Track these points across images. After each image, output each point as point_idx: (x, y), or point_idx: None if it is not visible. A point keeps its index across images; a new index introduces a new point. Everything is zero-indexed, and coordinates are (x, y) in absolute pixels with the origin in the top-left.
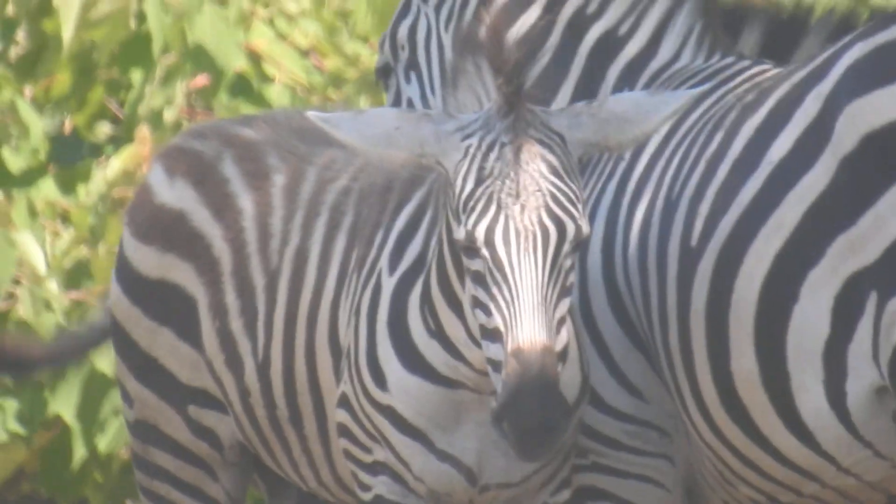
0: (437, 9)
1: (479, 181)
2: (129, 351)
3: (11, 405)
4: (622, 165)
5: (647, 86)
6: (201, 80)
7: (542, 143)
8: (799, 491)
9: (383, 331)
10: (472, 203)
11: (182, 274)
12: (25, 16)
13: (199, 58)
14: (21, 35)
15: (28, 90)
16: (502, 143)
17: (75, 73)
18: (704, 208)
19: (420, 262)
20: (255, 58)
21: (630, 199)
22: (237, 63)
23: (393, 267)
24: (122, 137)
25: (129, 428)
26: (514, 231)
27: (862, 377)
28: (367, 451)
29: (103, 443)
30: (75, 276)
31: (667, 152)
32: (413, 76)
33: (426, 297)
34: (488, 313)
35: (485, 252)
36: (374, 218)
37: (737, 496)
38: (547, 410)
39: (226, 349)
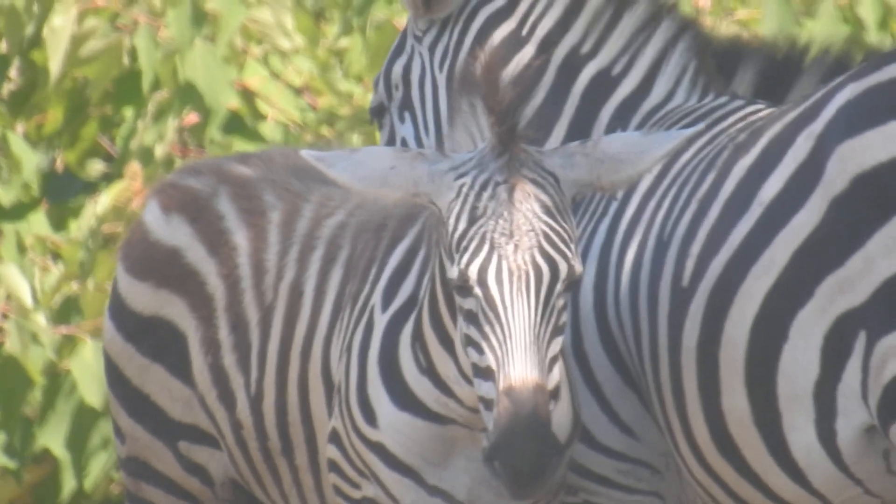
0: (432, 49)
1: (472, 220)
2: (122, 387)
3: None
4: (614, 205)
5: (641, 125)
6: (193, 117)
7: (535, 182)
8: None
9: (374, 368)
10: (465, 242)
11: (175, 310)
12: (18, 51)
13: (189, 95)
14: (14, 71)
15: (20, 126)
16: (496, 183)
17: (68, 110)
18: (696, 248)
19: (413, 300)
20: (248, 96)
21: (622, 238)
22: (228, 100)
23: (386, 304)
24: (115, 174)
25: (121, 464)
26: (507, 270)
27: (852, 417)
28: (357, 486)
29: (90, 478)
30: (65, 311)
31: (659, 192)
32: (407, 116)
33: (418, 335)
34: (480, 352)
35: (478, 291)
36: (368, 254)
37: None
38: (539, 450)
39: (218, 384)
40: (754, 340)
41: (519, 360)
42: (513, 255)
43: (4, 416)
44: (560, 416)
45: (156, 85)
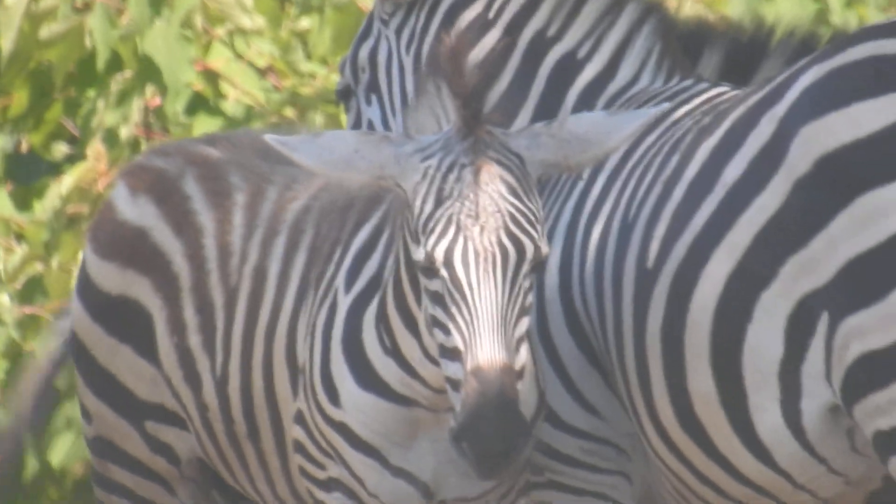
0: (398, 32)
1: (438, 203)
2: (89, 367)
3: None
4: (580, 186)
5: (606, 108)
6: (158, 99)
7: (501, 164)
8: None
9: (338, 348)
10: (431, 224)
11: (141, 290)
12: None
13: (148, 72)
14: None
15: None
16: (462, 165)
17: (32, 93)
18: (660, 230)
19: (376, 281)
20: (212, 78)
21: (587, 219)
22: (187, 78)
23: (349, 285)
24: (79, 156)
25: (88, 444)
26: (473, 252)
27: (816, 396)
28: (322, 467)
29: (56, 457)
30: (29, 292)
31: (623, 173)
32: (374, 98)
33: (382, 316)
34: (447, 333)
35: (444, 273)
36: (333, 235)
37: None
38: (507, 430)
39: (184, 365)
40: (719, 322)
41: (486, 340)
42: (479, 236)
43: None
44: (525, 395)
45: (117, 66)
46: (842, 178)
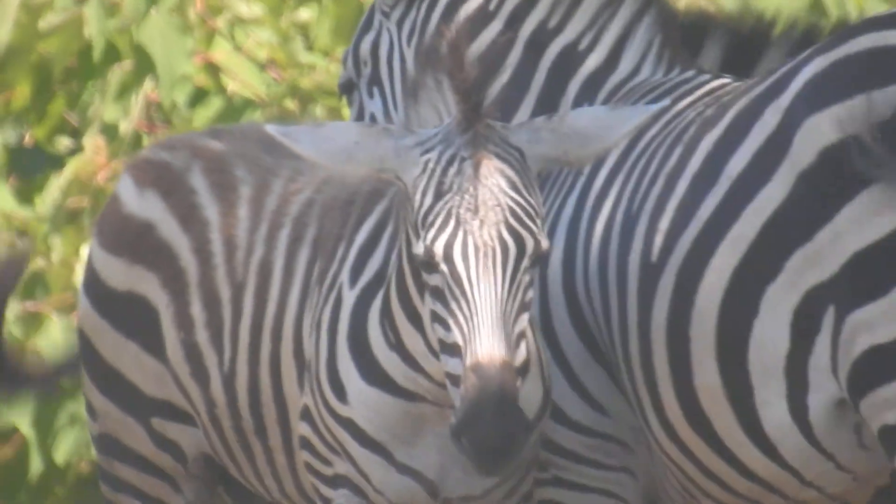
0: (400, 24)
1: (438, 196)
2: (95, 364)
3: None
4: (582, 179)
5: (607, 100)
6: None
7: (501, 157)
8: None
9: (343, 344)
10: (430, 218)
11: (148, 285)
12: None
13: (145, 64)
14: None
15: None
16: (462, 158)
17: (35, 86)
18: (664, 223)
19: (380, 276)
20: (213, 71)
21: (590, 213)
22: (184, 69)
23: (354, 280)
24: (80, 149)
25: (94, 441)
26: (472, 246)
27: (822, 391)
28: (328, 463)
29: (60, 454)
30: (30, 287)
31: (626, 166)
32: (376, 91)
33: (386, 311)
34: (447, 328)
35: (443, 267)
36: (336, 231)
37: None
38: (506, 426)
39: (192, 361)
40: (724, 316)
41: (486, 336)
42: (479, 230)
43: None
44: (529, 392)
45: (115, 57)
46: (846, 170)
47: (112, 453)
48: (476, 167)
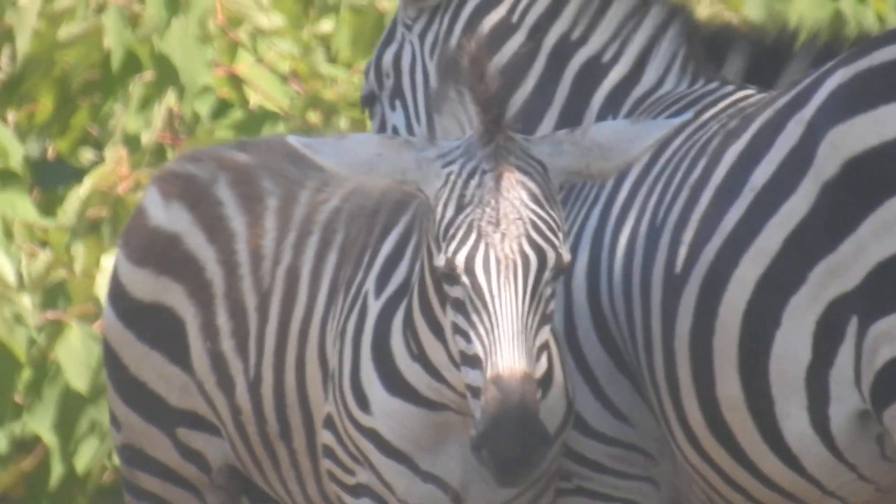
0: (422, 36)
1: (459, 209)
2: (119, 374)
3: None
4: (606, 191)
5: (631, 112)
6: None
7: (522, 170)
8: None
9: (367, 354)
10: (452, 231)
11: (174, 296)
12: (5, 39)
13: (166, 73)
14: (4, 60)
15: (11, 115)
16: (483, 171)
17: (58, 98)
18: (688, 235)
19: (405, 287)
20: (237, 83)
21: (614, 224)
22: (204, 80)
23: (379, 290)
24: (104, 161)
25: (118, 452)
26: (494, 259)
27: (845, 402)
28: (351, 472)
29: (81, 462)
30: (52, 297)
31: (650, 178)
32: (398, 104)
33: (409, 321)
34: (468, 340)
35: (465, 280)
36: (362, 239)
37: None
38: (526, 438)
39: (217, 370)
40: (747, 327)
41: (506, 348)
42: (500, 243)
43: None
44: (552, 403)
45: (136, 68)
46: (870, 181)
47: (136, 464)
48: (497, 180)
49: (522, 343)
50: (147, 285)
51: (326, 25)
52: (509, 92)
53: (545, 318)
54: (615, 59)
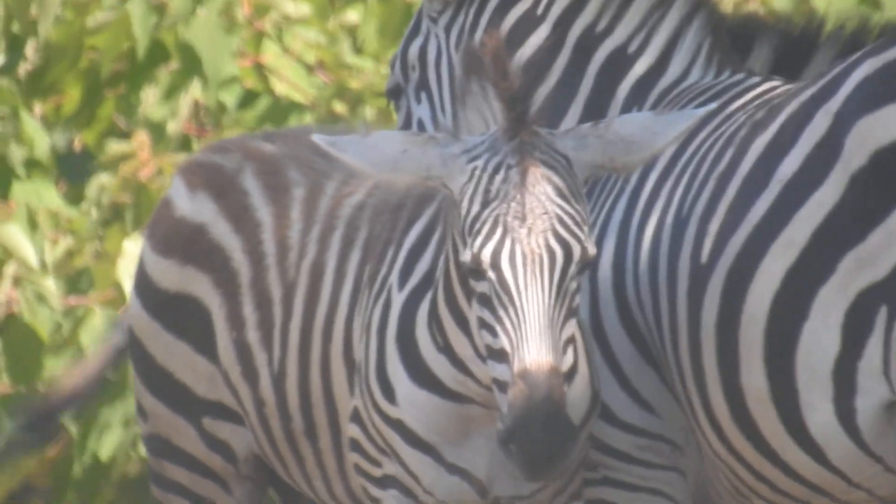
0: (447, 29)
1: (484, 204)
2: (146, 365)
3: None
4: (632, 182)
5: (657, 104)
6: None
7: (547, 165)
8: None
9: (392, 346)
10: (478, 226)
11: (200, 286)
12: (31, 30)
13: (190, 62)
14: (31, 52)
15: (38, 107)
16: (508, 166)
17: (84, 90)
18: (714, 226)
19: (429, 279)
20: (262, 72)
21: (640, 215)
22: (229, 69)
23: (403, 283)
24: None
25: (144, 442)
26: (520, 254)
27: (872, 394)
28: (377, 464)
29: (105, 450)
30: (75, 282)
31: (677, 169)
32: (424, 96)
33: (434, 314)
34: (494, 335)
35: (491, 275)
36: (385, 234)
37: None
38: (553, 432)
39: (242, 360)
40: (774, 318)
41: (533, 343)
42: (526, 238)
43: (17, 381)
44: (578, 394)
45: (163, 57)
46: None
47: (162, 454)
48: (523, 175)
49: (549, 337)
50: (173, 275)
51: (352, 15)
52: (534, 87)
53: (571, 312)
54: (640, 50)
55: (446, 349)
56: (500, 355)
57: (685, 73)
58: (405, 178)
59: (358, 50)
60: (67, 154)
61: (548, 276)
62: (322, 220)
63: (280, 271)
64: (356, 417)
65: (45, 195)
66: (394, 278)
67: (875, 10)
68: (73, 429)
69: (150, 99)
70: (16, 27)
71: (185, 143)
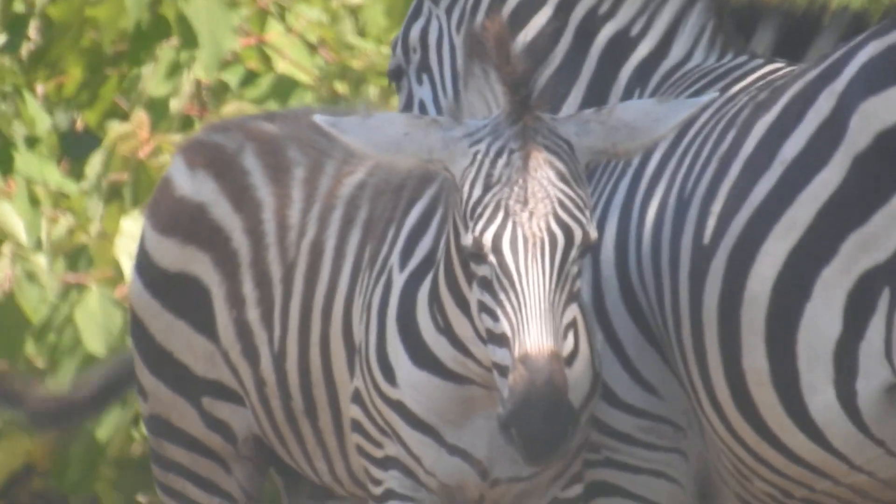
0: (449, 11)
1: (486, 188)
2: (146, 344)
3: None
4: (634, 163)
5: (660, 86)
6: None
7: (550, 150)
8: (812, 487)
9: (393, 326)
10: (479, 209)
11: (200, 265)
12: (35, 10)
13: (189, 37)
14: (34, 32)
15: (40, 88)
16: (510, 150)
17: (86, 70)
18: (717, 207)
19: (430, 260)
20: (264, 51)
21: (643, 196)
22: (229, 45)
23: (403, 263)
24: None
25: (145, 422)
26: (521, 238)
27: (873, 376)
28: (379, 445)
29: (102, 431)
30: (73, 259)
31: (679, 150)
32: (425, 78)
33: (434, 295)
34: (495, 318)
35: (492, 259)
36: (386, 214)
37: (751, 490)
38: (554, 417)
39: (242, 339)
40: (776, 299)
41: (534, 327)
42: (528, 222)
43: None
44: (579, 375)
45: (165, 32)
46: None
47: (162, 434)
48: (525, 159)
49: (550, 322)
50: (173, 255)
51: None
52: (537, 71)
53: (572, 296)
54: (643, 32)
55: (447, 330)
56: (501, 339)
57: (688, 56)
58: (407, 161)
59: (360, 31)
60: (69, 133)
61: (549, 260)
62: (322, 200)
63: (280, 251)
64: (357, 398)
65: (46, 172)
66: (395, 259)
67: None
68: None
69: (151, 75)
70: (18, 6)
71: (186, 124)
